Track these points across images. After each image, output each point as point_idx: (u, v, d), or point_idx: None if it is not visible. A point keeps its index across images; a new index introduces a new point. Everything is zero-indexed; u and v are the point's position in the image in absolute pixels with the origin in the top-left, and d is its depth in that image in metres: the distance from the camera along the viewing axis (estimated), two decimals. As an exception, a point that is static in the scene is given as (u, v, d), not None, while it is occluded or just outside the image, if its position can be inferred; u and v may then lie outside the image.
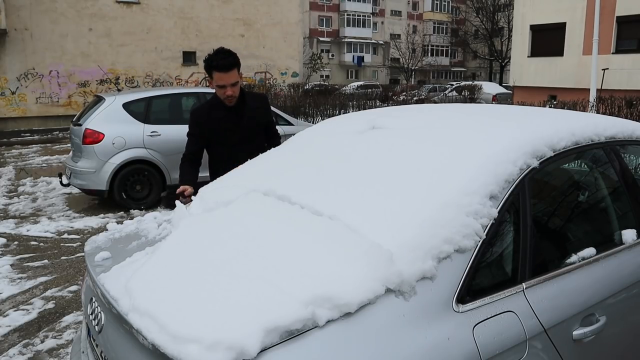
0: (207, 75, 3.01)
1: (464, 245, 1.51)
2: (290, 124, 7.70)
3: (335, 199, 1.74)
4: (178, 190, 2.82)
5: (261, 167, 2.37)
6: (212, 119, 3.06)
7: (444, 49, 55.99)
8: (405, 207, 1.60)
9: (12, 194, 7.86)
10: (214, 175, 3.09)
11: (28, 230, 5.90)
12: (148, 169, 6.78)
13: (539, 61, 19.40)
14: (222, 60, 2.89)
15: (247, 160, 2.82)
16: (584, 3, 17.44)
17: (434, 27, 55.62)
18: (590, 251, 1.87)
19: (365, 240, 1.47)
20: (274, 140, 3.33)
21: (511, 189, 1.69)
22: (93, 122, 6.67)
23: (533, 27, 19.66)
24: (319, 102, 18.36)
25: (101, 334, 1.62)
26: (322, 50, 44.94)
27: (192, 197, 2.65)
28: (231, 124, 3.05)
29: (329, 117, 13.55)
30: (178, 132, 6.98)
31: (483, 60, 49.14)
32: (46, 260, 4.91)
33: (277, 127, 8.26)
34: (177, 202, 2.23)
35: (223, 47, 3.00)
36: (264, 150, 3.11)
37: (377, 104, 22.08)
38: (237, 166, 2.73)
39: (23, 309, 3.86)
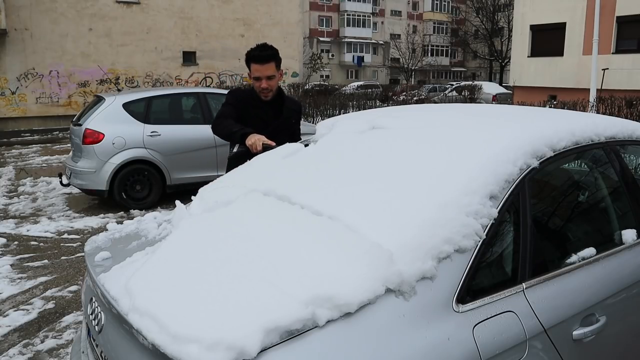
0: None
1: (464, 245, 1.51)
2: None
3: (335, 198, 1.74)
4: (253, 142, 2.58)
5: (261, 167, 2.37)
6: (249, 104, 3.04)
7: (444, 49, 55.99)
8: (405, 207, 1.60)
9: (12, 194, 7.86)
10: (236, 165, 3.07)
11: (28, 230, 5.90)
12: (148, 169, 6.78)
13: (539, 61, 19.40)
14: (260, 52, 2.93)
15: None
16: (584, 3, 17.44)
17: (434, 27, 55.62)
18: (590, 251, 1.87)
19: (365, 240, 1.47)
20: None
21: (511, 189, 1.69)
22: (93, 122, 6.67)
23: (533, 27, 19.66)
24: (319, 102, 18.37)
25: (101, 334, 1.62)
26: (322, 50, 44.93)
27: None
28: (266, 117, 3.02)
29: (329, 117, 13.56)
30: (178, 132, 7.00)
31: (483, 60, 49.15)
32: (46, 260, 4.91)
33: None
34: (177, 202, 2.22)
35: (266, 43, 3.03)
36: None
37: (377, 104, 22.09)
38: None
39: (23, 309, 3.86)
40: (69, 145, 10.30)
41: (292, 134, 3.18)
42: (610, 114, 9.32)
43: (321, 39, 49.17)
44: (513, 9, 23.54)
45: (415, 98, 22.91)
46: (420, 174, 1.75)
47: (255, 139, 2.62)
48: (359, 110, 12.82)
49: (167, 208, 6.50)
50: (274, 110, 3.05)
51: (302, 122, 3.35)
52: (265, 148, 2.52)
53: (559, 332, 1.64)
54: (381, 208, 1.63)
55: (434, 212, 1.55)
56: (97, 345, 1.67)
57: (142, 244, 1.98)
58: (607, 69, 16.05)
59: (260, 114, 3.02)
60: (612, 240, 2.05)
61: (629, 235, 2.03)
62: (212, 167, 6.82)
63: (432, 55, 54.04)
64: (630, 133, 2.28)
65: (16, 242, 5.49)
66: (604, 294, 1.82)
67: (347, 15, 50.33)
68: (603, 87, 14.95)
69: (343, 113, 14.91)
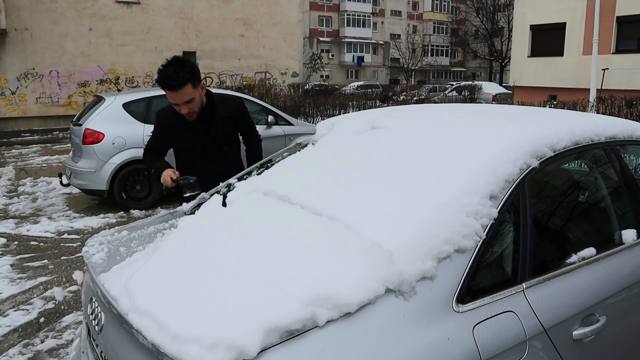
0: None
1: (463, 245, 1.51)
2: (290, 124, 7.70)
3: (335, 199, 1.74)
4: (163, 178, 2.66)
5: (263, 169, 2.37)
6: (175, 127, 2.77)
7: (444, 49, 55.99)
8: (405, 207, 1.60)
9: (12, 194, 7.86)
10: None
11: (28, 230, 5.90)
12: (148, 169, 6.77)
13: (539, 61, 19.40)
14: (169, 80, 2.54)
15: (217, 168, 2.72)
16: (584, 3, 17.45)
17: (434, 27, 55.62)
18: (590, 251, 1.87)
19: (365, 240, 1.47)
20: (254, 145, 3.13)
21: (511, 189, 1.69)
22: (93, 122, 6.67)
23: (533, 27, 19.66)
24: (319, 102, 18.38)
25: (101, 334, 1.62)
26: (322, 50, 44.92)
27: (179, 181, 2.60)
28: (195, 136, 2.78)
29: (329, 117, 13.55)
30: (178, 132, 6.99)
31: (483, 60, 49.15)
32: (46, 260, 4.91)
33: (277, 127, 8.19)
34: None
35: (177, 57, 2.65)
36: (236, 158, 3.00)
37: (377, 104, 22.09)
38: (206, 174, 2.62)
39: (23, 309, 3.86)
40: (69, 145, 10.30)
41: (244, 135, 3.07)
42: (610, 114, 9.32)
43: (321, 39, 49.17)
44: (513, 9, 23.54)
45: (415, 98, 22.91)
46: (420, 174, 1.75)
47: (163, 177, 2.69)
48: (359, 110, 12.83)
49: (167, 208, 6.49)
50: (205, 125, 2.78)
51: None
52: (179, 181, 2.59)
53: (559, 332, 1.64)
54: (381, 208, 1.62)
55: (434, 212, 1.55)
56: (97, 345, 1.67)
57: (142, 243, 1.98)
58: (607, 69, 16.05)
59: (188, 135, 2.78)
60: (612, 240, 2.05)
61: (629, 235, 2.03)
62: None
63: (432, 55, 54.04)
64: (630, 133, 2.28)
65: (16, 242, 5.49)
66: (604, 294, 1.82)
67: (347, 15, 50.33)
68: (603, 87, 14.94)
69: (343, 113, 14.91)
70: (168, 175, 2.68)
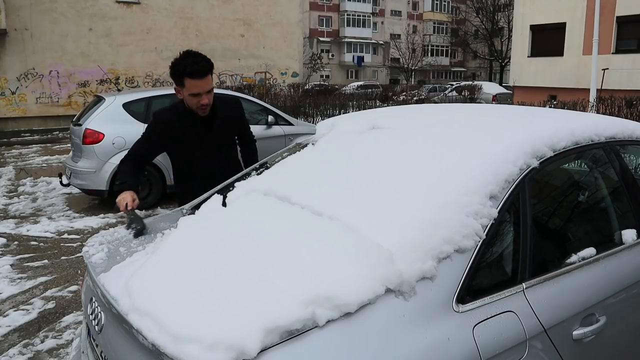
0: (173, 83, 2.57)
1: (463, 245, 1.50)
2: (290, 124, 7.70)
3: (336, 198, 1.74)
4: (120, 199, 2.46)
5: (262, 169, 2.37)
6: (175, 128, 2.67)
7: (444, 49, 56.00)
8: (405, 207, 1.60)
9: (12, 194, 7.86)
10: (180, 186, 2.90)
11: (28, 230, 5.90)
12: (148, 169, 6.74)
13: (539, 61, 19.41)
14: (196, 65, 2.47)
15: (217, 169, 2.68)
16: (584, 3, 17.46)
17: (434, 27, 55.64)
18: (590, 251, 1.87)
19: (365, 240, 1.47)
20: (249, 145, 3.10)
21: (511, 189, 1.69)
22: (93, 122, 6.68)
23: (533, 27, 19.68)
24: (319, 102, 18.39)
25: (101, 334, 1.62)
26: (322, 50, 44.92)
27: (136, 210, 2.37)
28: (196, 136, 2.70)
29: (329, 117, 13.55)
30: (178, 132, 6.98)
31: (483, 60, 49.16)
32: (46, 260, 4.91)
33: (277, 127, 8.18)
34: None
35: (191, 49, 2.61)
36: (234, 158, 2.98)
37: (377, 104, 22.09)
38: (203, 178, 2.59)
39: (23, 309, 3.86)
40: (69, 145, 10.30)
41: (240, 135, 3.04)
42: (610, 114, 9.31)
43: (321, 39, 49.18)
44: (513, 9, 23.54)
45: (415, 98, 22.92)
46: (420, 174, 1.75)
47: (120, 199, 2.48)
48: (359, 110, 12.83)
49: (167, 208, 6.49)
50: (206, 127, 2.71)
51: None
52: (130, 214, 2.35)
53: (559, 332, 1.64)
54: (381, 208, 1.62)
55: (434, 212, 1.55)
56: (97, 345, 1.67)
57: (142, 243, 1.98)
58: (607, 69, 16.04)
59: (189, 135, 2.69)
60: (612, 240, 2.05)
61: (629, 235, 2.03)
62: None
63: (432, 55, 54.06)
64: (630, 133, 2.27)
65: (16, 242, 5.49)
66: (604, 294, 1.82)
67: (347, 15, 50.34)
68: (603, 87, 14.94)
69: (343, 113, 14.90)
70: (125, 200, 2.45)
